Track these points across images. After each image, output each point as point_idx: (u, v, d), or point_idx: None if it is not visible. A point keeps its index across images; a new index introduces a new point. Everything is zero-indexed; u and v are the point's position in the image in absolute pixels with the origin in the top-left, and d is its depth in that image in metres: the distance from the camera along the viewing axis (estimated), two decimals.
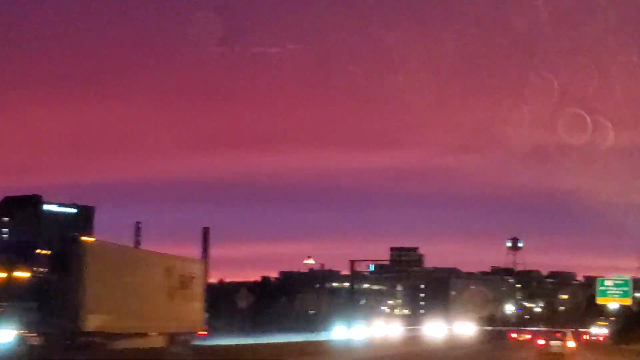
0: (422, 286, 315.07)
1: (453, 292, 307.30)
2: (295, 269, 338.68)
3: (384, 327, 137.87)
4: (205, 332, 63.42)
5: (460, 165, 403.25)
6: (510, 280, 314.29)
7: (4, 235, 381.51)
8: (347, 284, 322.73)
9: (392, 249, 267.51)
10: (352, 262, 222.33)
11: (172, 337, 55.53)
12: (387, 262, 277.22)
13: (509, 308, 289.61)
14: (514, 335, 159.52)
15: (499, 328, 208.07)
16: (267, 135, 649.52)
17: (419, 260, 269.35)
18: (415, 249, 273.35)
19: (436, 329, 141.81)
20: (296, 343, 74.41)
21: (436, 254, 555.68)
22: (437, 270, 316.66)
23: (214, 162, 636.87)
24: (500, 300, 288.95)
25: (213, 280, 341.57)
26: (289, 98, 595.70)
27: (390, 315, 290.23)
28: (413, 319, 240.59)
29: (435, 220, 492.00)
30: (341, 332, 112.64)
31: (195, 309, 60.70)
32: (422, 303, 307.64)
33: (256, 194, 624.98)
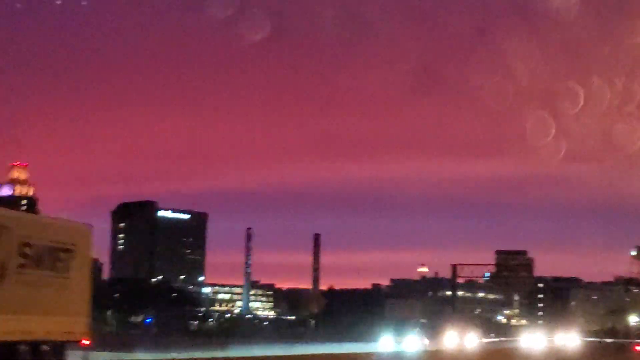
0: (541, 295, 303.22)
1: (573, 302, 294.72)
2: (407, 277, 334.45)
3: (457, 337, 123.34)
4: (88, 342, 40.47)
5: (577, 174, 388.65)
6: (635, 290, 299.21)
7: (120, 240, 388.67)
8: (460, 293, 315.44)
9: (497, 252, 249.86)
10: (454, 266, 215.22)
11: (20, 350, 35.42)
12: (492, 266, 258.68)
13: (633, 319, 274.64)
14: (638, 348, 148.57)
15: (622, 340, 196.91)
16: (378, 144, 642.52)
17: (529, 265, 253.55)
18: (524, 252, 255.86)
19: (535, 340, 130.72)
20: (326, 355, 64.56)
21: (549, 263, 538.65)
22: (556, 279, 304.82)
23: (326, 171, 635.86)
24: (623, 311, 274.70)
25: (323, 287, 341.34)
26: (400, 107, 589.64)
27: (507, 325, 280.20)
28: (530, 330, 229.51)
29: (550, 229, 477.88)
30: (388, 343, 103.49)
31: (70, 302, 39.05)
32: (540, 313, 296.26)
33: (367, 203, 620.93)
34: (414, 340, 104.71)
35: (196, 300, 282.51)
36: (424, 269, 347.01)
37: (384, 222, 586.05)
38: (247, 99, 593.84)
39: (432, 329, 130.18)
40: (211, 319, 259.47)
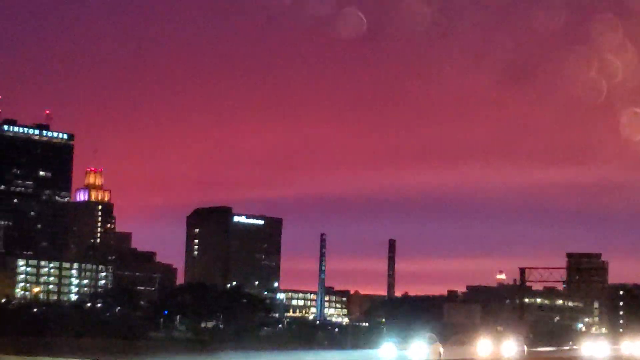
0: (621, 303, 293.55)
1: None
2: (484, 283, 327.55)
3: (492, 345, 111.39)
4: None
5: None
6: None
7: (195, 246, 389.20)
8: (539, 300, 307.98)
9: (569, 255, 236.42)
10: (523, 270, 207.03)
11: None
12: (563, 270, 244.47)
13: None
14: None
15: None
16: (454, 150, 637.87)
17: (602, 268, 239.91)
18: (597, 255, 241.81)
19: (598, 348, 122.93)
20: None
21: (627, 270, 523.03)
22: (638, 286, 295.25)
23: (400, 177, 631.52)
24: None
25: (398, 293, 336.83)
26: (476, 113, 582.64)
27: (587, 334, 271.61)
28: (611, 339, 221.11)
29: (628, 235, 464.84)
30: (389, 350, 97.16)
31: None
32: (621, 321, 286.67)
33: (444, 209, 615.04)
34: (420, 348, 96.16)
35: (268, 306, 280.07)
36: (502, 276, 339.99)
37: (460, 228, 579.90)
38: (323, 107, 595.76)
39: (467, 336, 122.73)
40: (280, 325, 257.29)
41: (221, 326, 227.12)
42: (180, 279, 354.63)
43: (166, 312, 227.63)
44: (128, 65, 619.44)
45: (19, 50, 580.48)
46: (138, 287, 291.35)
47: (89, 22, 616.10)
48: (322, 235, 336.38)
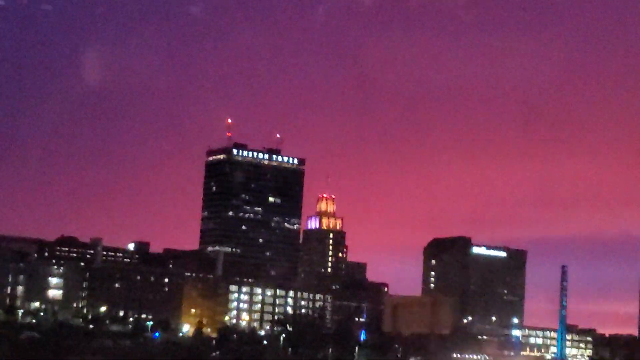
0: None
1: None
2: None
3: None
4: None
5: None
6: None
7: (431, 278, 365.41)
8: None
9: None
10: None
11: None
12: None
13: None
14: None
15: None
16: None
17: None
18: None
19: None
20: None
21: None
22: None
23: None
24: None
25: None
26: None
27: None
28: None
29: None
30: None
31: None
32: None
33: None
34: None
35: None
36: None
37: None
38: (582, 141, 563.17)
39: None
40: None
41: None
42: None
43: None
44: (359, 89, 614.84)
45: (250, 74, 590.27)
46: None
47: (319, 47, 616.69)
48: (563, 267, 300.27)
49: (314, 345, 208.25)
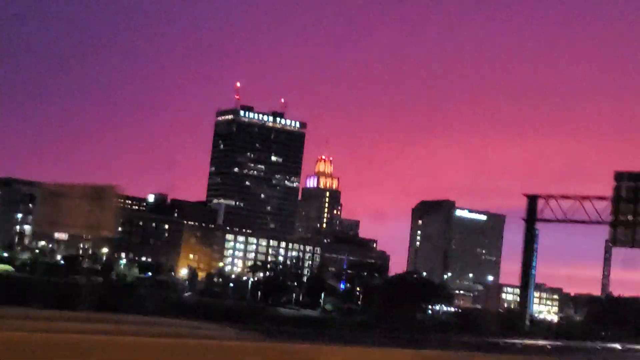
0: None
1: None
2: None
3: None
4: None
5: None
6: None
7: (417, 237, 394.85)
8: None
9: None
10: None
11: None
12: None
13: None
14: None
15: None
16: None
17: None
18: None
19: None
20: None
21: None
22: None
23: None
24: None
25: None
26: None
27: None
28: None
29: None
30: None
31: None
32: None
33: None
34: None
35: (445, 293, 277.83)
36: None
37: None
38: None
39: None
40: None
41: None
42: (396, 269, 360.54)
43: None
44: (360, 59, 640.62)
45: (260, 41, 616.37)
46: (330, 268, 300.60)
47: (325, 19, 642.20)
48: (534, 231, 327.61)
49: (282, 289, 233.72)
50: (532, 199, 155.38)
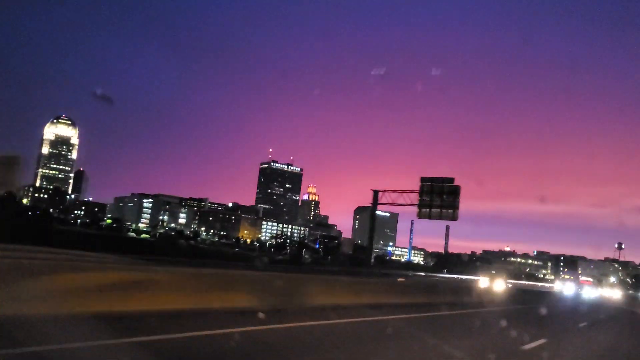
0: None
1: None
2: None
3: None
4: None
5: None
6: None
7: (356, 223, 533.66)
8: None
9: None
10: None
11: None
12: None
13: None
14: None
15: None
16: None
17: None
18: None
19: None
20: None
21: None
22: None
23: None
24: None
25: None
26: None
27: None
28: None
29: None
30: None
31: None
32: None
33: None
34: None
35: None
36: None
37: None
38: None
39: None
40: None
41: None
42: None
43: None
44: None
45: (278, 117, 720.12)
46: (311, 238, 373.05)
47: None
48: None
49: (285, 247, 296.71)
50: (376, 192, 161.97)
